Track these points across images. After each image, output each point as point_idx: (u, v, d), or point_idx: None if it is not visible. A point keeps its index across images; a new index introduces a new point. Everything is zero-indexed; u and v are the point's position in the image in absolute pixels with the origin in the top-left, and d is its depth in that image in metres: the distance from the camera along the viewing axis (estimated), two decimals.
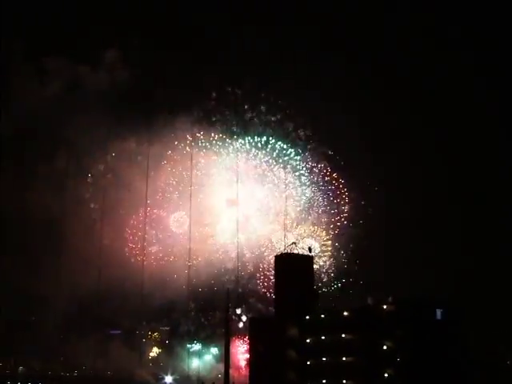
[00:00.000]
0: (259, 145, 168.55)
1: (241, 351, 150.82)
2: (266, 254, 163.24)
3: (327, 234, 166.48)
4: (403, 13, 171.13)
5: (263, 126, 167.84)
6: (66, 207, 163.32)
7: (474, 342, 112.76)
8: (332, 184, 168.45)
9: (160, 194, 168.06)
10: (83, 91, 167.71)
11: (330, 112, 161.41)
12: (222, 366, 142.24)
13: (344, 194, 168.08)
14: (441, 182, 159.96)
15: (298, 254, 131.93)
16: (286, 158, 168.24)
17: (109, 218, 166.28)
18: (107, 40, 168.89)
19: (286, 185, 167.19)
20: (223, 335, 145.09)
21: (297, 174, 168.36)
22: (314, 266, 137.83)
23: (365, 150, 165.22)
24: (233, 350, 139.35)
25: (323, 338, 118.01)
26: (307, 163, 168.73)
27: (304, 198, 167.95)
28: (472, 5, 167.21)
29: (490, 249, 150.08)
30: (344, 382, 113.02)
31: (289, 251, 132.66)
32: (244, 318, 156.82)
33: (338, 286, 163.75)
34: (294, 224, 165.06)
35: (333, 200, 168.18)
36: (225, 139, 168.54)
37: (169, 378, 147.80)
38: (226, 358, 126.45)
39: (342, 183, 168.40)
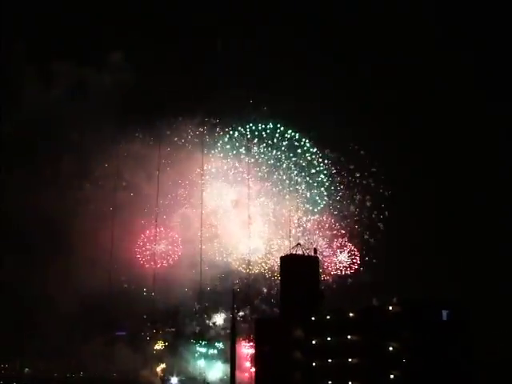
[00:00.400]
0: (265, 144, 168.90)
1: (246, 352, 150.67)
2: (271, 254, 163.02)
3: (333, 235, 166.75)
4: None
5: (269, 124, 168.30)
6: (72, 208, 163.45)
7: (479, 343, 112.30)
8: (339, 185, 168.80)
9: (169, 196, 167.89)
10: (88, 93, 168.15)
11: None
12: (227, 367, 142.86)
13: (350, 194, 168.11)
14: (445, 182, 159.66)
15: (303, 255, 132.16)
16: (293, 159, 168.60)
17: (114, 219, 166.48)
18: (111, 41, 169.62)
19: (293, 185, 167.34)
20: (228, 336, 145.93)
21: (303, 173, 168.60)
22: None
23: (370, 151, 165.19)
24: (238, 351, 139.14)
25: (329, 339, 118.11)
26: (314, 162, 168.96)
27: (310, 198, 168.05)
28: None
29: (495, 249, 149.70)
30: (349, 383, 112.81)
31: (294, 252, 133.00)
32: (249, 319, 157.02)
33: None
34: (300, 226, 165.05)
35: (339, 201, 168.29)
36: (230, 139, 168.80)
37: (174, 379, 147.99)
38: (231, 359, 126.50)
39: (348, 184, 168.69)
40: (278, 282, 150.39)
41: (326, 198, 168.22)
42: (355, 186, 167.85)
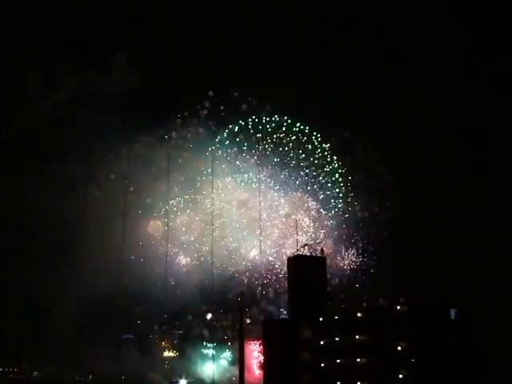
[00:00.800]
0: (271, 145, 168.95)
1: (254, 353, 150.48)
2: (278, 255, 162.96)
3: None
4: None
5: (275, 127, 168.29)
6: (78, 211, 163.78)
7: (488, 342, 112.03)
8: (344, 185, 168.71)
9: (177, 198, 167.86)
10: (93, 95, 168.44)
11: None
12: (235, 369, 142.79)
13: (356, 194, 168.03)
14: (454, 181, 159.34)
15: (310, 256, 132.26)
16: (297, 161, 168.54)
17: (120, 221, 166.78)
18: (116, 44, 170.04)
19: (299, 185, 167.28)
20: (235, 338, 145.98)
21: (308, 172, 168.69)
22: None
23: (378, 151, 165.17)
24: (246, 352, 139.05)
25: (337, 339, 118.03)
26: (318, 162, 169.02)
27: (317, 198, 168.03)
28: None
29: (505, 248, 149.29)
30: (358, 383, 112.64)
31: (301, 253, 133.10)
32: (256, 321, 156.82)
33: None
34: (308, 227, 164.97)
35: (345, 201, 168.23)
36: (236, 141, 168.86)
37: (183, 382, 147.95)
38: (240, 360, 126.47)
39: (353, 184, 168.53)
40: (285, 282, 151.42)
41: (333, 200, 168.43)
42: (362, 185, 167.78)
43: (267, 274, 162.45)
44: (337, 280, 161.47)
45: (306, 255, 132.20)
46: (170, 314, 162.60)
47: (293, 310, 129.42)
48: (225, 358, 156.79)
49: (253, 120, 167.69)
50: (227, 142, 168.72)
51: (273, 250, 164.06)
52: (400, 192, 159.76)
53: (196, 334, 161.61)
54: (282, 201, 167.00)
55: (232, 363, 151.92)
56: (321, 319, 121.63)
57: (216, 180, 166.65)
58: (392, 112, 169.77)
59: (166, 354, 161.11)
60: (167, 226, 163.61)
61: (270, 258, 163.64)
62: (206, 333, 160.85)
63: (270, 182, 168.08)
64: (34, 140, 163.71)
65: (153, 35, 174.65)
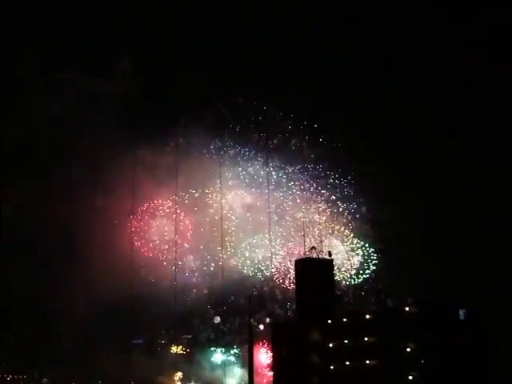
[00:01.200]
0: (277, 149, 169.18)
1: (262, 356, 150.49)
2: (285, 258, 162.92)
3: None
4: None
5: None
6: (83, 217, 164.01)
7: (498, 342, 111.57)
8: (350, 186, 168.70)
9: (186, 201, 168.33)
10: (96, 101, 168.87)
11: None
12: (244, 372, 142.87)
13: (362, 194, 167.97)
14: (462, 181, 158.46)
15: (317, 258, 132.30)
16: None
17: (125, 226, 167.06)
18: (119, 50, 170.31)
19: (305, 188, 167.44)
20: (243, 341, 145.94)
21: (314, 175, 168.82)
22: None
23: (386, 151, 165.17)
24: (255, 355, 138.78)
25: (346, 341, 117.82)
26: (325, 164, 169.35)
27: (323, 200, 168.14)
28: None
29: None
30: None
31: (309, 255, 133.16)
32: (264, 324, 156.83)
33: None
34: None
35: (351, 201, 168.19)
36: (242, 144, 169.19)
37: None
38: (249, 364, 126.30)
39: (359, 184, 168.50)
40: (293, 285, 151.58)
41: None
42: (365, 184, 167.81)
43: (275, 276, 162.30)
44: (344, 282, 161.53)
45: (313, 258, 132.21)
46: (178, 318, 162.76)
47: (301, 312, 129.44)
48: (234, 361, 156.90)
49: (258, 121, 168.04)
50: (232, 145, 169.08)
51: (280, 253, 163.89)
52: (407, 191, 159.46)
53: (204, 338, 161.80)
54: (290, 203, 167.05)
55: (241, 366, 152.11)
56: (329, 322, 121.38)
57: (223, 183, 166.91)
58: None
59: (176, 355, 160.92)
60: (175, 230, 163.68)
61: (278, 261, 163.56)
62: (214, 336, 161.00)
63: (277, 184, 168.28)
64: (39, 144, 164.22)
65: (154, 37, 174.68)
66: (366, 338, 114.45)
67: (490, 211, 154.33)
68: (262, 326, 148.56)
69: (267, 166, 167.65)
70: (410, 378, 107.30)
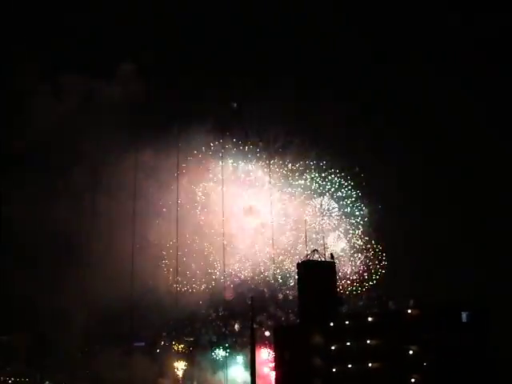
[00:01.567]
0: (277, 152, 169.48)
1: (264, 359, 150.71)
2: (286, 261, 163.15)
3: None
4: None
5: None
6: (84, 220, 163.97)
7: (500, 344, 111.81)
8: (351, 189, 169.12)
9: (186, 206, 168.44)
10: (98, 105, 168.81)
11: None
12: (246, 375, 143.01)
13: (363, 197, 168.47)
14: (463, 181, 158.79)
15: (320, 261, 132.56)
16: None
17: (127, 230, 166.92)
18: (121, 53, 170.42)
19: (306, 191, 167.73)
20: (245, 344, 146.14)
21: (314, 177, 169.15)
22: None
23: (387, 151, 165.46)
24: (257, 358, 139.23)
25: (348, 344, 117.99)
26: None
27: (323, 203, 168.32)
28: None
29: None
30: None
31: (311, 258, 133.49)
32: (266, 326, 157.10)
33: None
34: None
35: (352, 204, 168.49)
36: (242, 148, 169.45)
37: None
38: (251, 366, 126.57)
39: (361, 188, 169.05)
40: (294, 288, 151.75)
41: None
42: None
43: (277, 279, 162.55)
44: (347, 284, 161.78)
45: (315, 260, 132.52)
46: (179, 320, 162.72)
47: (303, 315, 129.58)
48: (235, 363, 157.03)
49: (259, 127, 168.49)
50: (234, 149, 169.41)
51: (282, 256, 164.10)
52: (407, 192, 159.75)
53: (206, 340, 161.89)
54: (291, 205, 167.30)
55: (243, 369, 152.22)
56: (331, 324, 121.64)
57: (224, 186, 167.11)
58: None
59: (176, 361, 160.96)
60: (177, 233, 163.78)
61: (279, 263, 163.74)
62: (215, 339, 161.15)
63: (278, 187, 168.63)
64: (39, 150, 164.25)
65: (154, 37, 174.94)
66: (368, 341, 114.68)
67: (494, 211, 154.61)
68: (267, 333, 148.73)
69: (268, 166, 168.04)
70: (413, 380, 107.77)
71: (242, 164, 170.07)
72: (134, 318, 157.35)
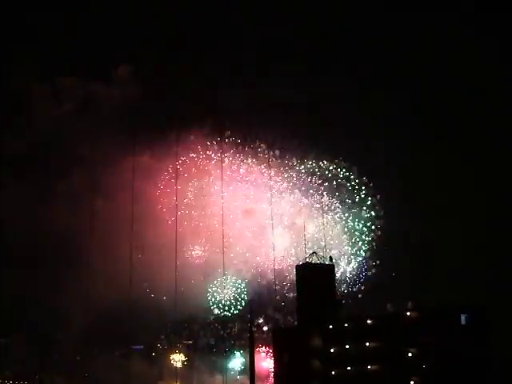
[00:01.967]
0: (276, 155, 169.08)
1: (263, 362, 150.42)
2: (284, 264, 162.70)
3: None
4: None
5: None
6: (83, 222, 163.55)
7: (500, 347, 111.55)
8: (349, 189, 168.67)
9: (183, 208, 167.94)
10: (96, 107, 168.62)
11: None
12: (245, 378, 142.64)
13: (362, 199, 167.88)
14: (463, 183, 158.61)
15: (318, 264, 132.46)
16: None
17: (126, 232, 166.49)
18: (119, 55, 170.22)
19: (304, 193, 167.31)
20: (243, 347, 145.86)
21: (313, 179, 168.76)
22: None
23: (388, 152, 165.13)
24: (256, 360, 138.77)
25: (347, 346, 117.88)
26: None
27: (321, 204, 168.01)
28: None
29: None
30: None
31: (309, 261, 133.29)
32: (265, 329, 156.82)
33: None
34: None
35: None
36: (240, 150, 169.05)
37: None
38: (251, 369, 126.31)
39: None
40: (292, 290, 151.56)
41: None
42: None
43: (275, 282, 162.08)
44: (345, 287, 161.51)
45: (314, 263, 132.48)
46: (177, 323, 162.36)
47: (302, 318, 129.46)
48: (234, 366, 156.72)
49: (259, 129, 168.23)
50: (233, 151, 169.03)
51: (281, 258, 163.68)
52: (407, 193, 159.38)
53: (204, 343, 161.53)
54: (291, 208, 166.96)
55: (242, 372, 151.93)
56: (330, 327, 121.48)
57: (223, 189, 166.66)
58: None
59: (175, 363, 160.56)
60: (175, 235, 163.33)
61: (279, 266, 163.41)
62: (214, 342, 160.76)
63: (277, 189, 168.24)
64: (37, 152, 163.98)
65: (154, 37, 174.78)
66: (367, 343, 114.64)
67: (494, 212, 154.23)
68: (265, 328, 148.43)
69: (269, 169, 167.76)
70: (412, 383, 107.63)
71: (241, 165, 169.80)
72: (132, 321, 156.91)
